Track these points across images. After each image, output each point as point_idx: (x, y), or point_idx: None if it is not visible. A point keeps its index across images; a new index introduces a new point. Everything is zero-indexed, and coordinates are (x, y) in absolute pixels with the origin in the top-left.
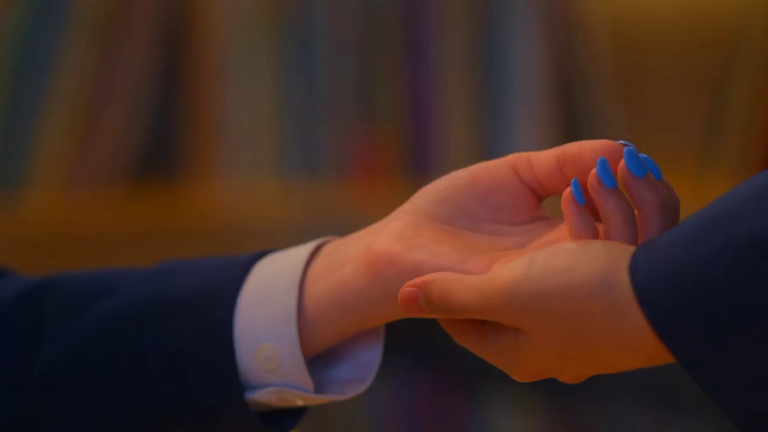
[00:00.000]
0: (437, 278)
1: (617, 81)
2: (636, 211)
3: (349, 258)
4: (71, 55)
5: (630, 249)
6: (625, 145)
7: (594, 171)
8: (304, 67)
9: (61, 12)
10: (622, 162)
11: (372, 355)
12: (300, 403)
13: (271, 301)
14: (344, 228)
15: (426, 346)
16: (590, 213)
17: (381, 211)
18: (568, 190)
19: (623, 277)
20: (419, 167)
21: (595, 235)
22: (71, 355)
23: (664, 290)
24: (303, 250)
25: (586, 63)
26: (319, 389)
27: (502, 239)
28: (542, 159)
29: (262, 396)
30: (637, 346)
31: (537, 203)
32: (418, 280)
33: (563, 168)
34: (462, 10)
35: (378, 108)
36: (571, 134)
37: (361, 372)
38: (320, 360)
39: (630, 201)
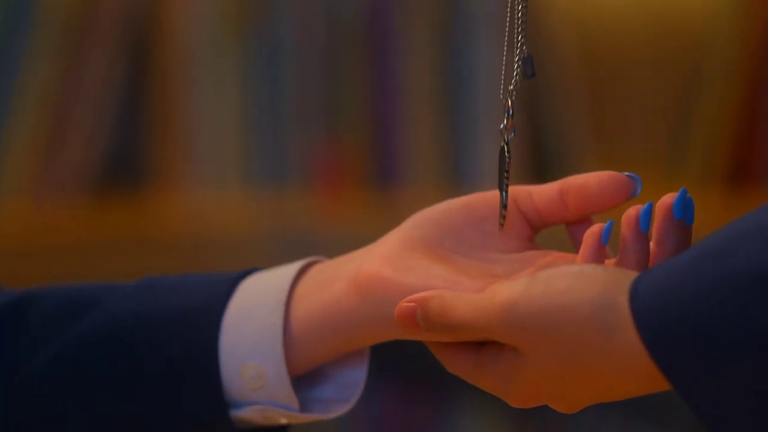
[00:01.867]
0: (436, 294)
1: (583, 90)
2: (652, 244)
3: (337, 278)
4: (36, 64)
5: (630, 273)
6: (630, 177)
7: (633, 212)
8: (269, 78)
9: (26, 22)
10: (671, 196)
11: (357, 376)
12: (284, 421)
13: (256, 320)
14: (311, 238)
15: (392, 355)
16: (605, 251)
17: (347, 220)
18: (597, 227)
19: (622, 300)
20: (385, 177)
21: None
22: (54, 369)
23: (662, 317)
24: (290, 269)
25: (552, 73)
26: (303, 408)
27: (492, 266)
28: (543, 190)
29: (246, 413)
30: (632, 368)
31: (531, 234)
32: (416, 296)
33: (565, 198)
34: (427, 20)
35: (344, 118)
36: (536, 144)
37: (345, 392)
38: (305, 379)
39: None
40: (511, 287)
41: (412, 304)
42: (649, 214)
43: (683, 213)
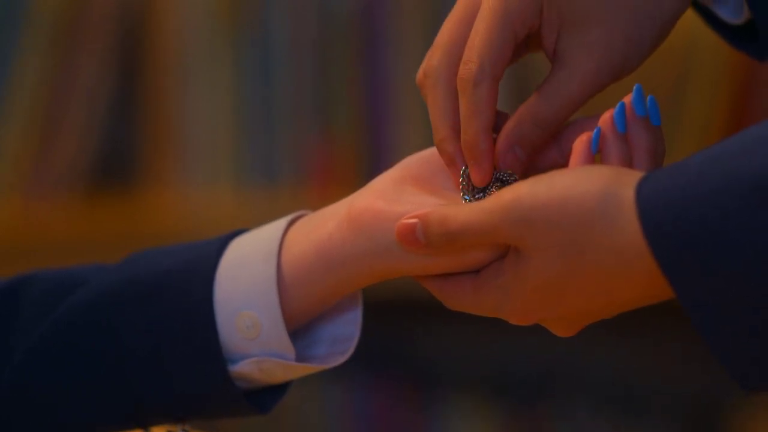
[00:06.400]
0: (436, 209)
1: None
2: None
3: (330, 218)
4: (28, 62)
5: (635, 172)
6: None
7: (609, 114)
8: (261, 75)
9: (18, 20)
10: (629, 96)
11: (350, 330)
12: (281, 374)
13: (250, 269)
14: None
15: (383, 353)
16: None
17: None
18: (586, 134)
19: (627, 194)
20: (377, 174)
21: None
22: (45, 349)
23: (665, 217)
24: (280, 222)
25: (542, 71)
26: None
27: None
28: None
29: (243, 368)
30: (633, 268)
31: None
32: (415, 212)
33: (562, 146)
34: (419, 17)
35: (335, 116)
36: None
37: (339, 346)
38: (300, 340)
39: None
40: (516, 187)
41: (413, 220)
42: (622, 113)
43: (644, 109)
